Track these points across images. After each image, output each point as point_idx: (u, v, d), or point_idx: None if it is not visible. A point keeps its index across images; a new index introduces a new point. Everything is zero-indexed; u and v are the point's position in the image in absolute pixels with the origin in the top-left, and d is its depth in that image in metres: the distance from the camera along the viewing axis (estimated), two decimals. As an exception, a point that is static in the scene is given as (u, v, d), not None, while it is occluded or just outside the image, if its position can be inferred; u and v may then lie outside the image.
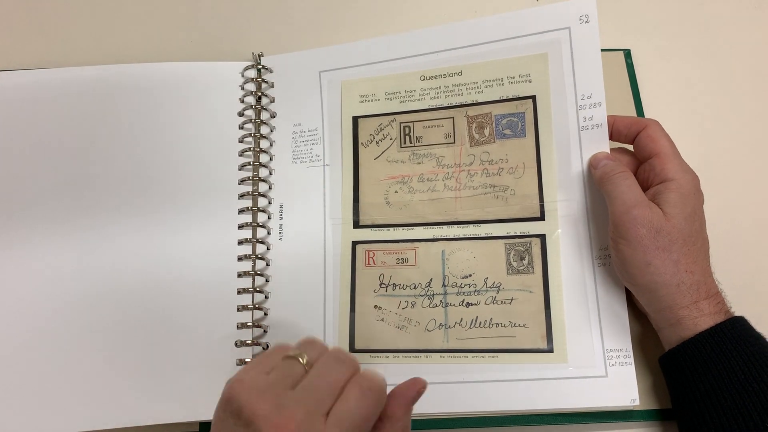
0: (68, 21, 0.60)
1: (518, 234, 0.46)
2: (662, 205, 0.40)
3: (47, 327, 0.45)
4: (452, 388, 0.43)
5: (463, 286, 0.45)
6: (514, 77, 0.48)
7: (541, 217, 0.46)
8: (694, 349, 0.38)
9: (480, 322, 0.44)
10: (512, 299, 0.44)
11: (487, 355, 0.43)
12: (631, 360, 0.42)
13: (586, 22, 0.46)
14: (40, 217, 0.48)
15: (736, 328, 0.39)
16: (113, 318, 0.45)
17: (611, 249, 0.42)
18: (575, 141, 0.45)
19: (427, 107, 0.49)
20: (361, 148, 0.50)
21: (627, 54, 0.55)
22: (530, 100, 0.47)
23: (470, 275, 0.45)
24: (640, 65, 0.55)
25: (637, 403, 0.42)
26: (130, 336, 0.45)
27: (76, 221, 0.47)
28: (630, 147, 0.46)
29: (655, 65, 0.55)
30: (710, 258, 0.41)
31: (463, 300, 0.45)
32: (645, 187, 0.43)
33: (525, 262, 0.45)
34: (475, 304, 0.45)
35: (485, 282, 0.45)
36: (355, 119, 0.50)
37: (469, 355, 0.44)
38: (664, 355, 0.41)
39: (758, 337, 0.39)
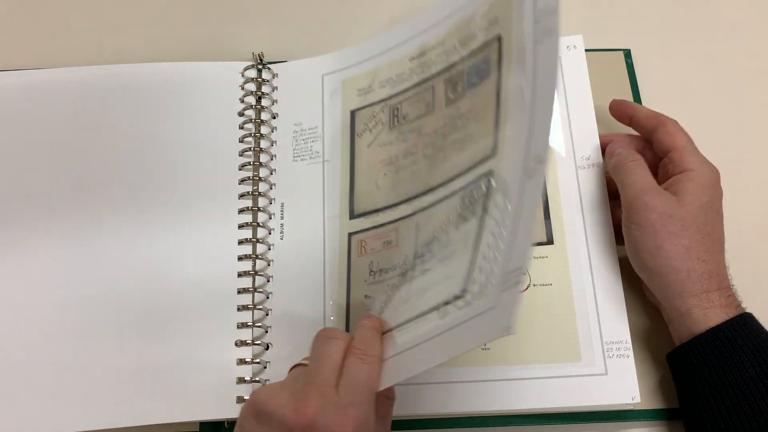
0: (68, 21, 0.60)
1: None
2: (678, 192, 0.41)
3: (45, 327, 0.45)
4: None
5: (424, 254, 0.41)
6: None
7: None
8: (705, 346, 0.38)
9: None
10: None
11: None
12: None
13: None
14: (40, 217, 0.48)
15: (747, 324, 0.39)
16: (113, 318, 0.45)
17: (624, 234, 0.43)
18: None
19: (413, 83, 0.47)
20: (356, 140, 0.49)
21: (627, 54, 0.55)
22: (496, 42, 0.41)
23: (432, 240, 0.40)
24: (640, 65, 0.55)
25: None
26: (130, 335, 0.44)
27: (75, 221, 0.47)
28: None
29: (655, 65, 0.55)
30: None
31: (425, 269, 0.40)
32: (665, 179, 0.43)
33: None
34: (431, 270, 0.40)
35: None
36: (352, 113, 0.50)
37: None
38: (672, 351, 0.41)
39: None
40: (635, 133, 0.48)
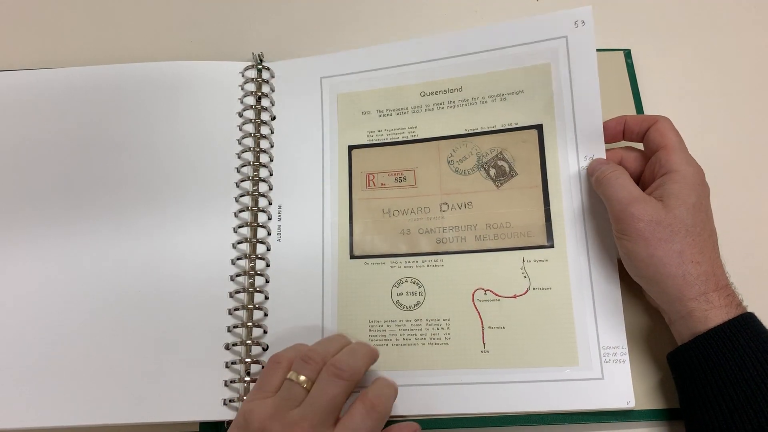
0: (68, 21, 0.60)
1: None
2: (664, 196, 0.41)
3: (43, 326, 0.45)
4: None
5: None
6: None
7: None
8: (706, 345, 0.38)
9: None
10: None
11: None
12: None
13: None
14: (38, 216, 0.48)
15: (749, 324, 0.38)
16: (111, 317, 0.45)
17: (617, 245, 0.42)
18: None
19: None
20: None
21: (627, 54, 0.55)
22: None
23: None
24: (640, 65, 0.55)
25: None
26: (130, 335, 0.45)
27: (73, 221, 0.48)
28: (639, 145, 0.47)
29: (655, 65, 0.55)
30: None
31: None
32: (651, 179, 0.43)
33: None
34: None
35: None
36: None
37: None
38: (673, 352, 0.41)
39: None
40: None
